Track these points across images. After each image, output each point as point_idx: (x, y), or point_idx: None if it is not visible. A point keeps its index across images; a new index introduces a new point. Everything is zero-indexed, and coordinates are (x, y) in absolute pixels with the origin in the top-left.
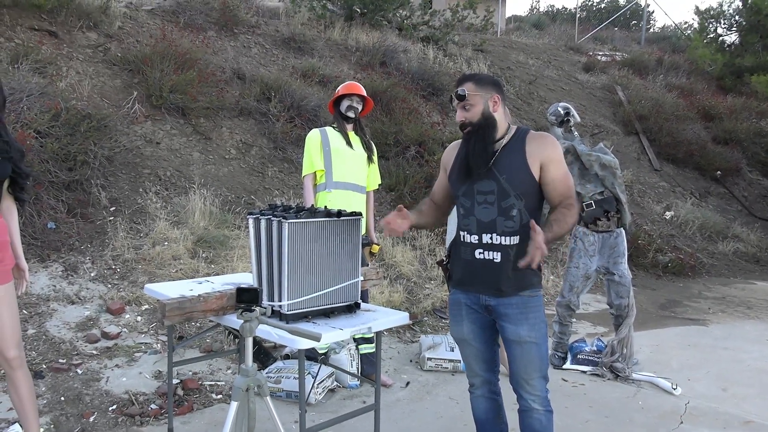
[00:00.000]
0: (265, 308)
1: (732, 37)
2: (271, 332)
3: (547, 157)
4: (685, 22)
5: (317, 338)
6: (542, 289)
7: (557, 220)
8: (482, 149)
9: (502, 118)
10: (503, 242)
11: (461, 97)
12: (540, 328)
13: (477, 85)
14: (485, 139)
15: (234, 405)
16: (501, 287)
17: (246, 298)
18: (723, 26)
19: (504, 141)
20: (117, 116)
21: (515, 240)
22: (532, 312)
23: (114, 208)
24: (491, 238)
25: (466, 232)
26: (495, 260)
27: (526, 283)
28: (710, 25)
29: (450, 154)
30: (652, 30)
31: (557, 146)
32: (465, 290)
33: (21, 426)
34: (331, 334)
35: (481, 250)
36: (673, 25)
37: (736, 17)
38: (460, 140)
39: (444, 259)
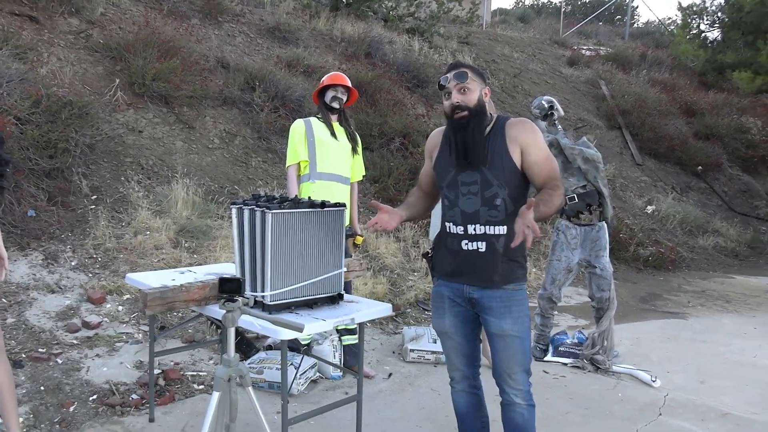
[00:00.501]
0: (248, 298)
1: (714, 34)
2: (253, 322)
3: (526, 141)
4: (669, 18)
5: (300, 329)
6: (526, 282)
7: (543, 200)
8: (480, 137)
9: (489, 110)
10: (488, 231)
11: (463, 78)
12: (523, 322)
13: (473, 73)
14: (481, 126)
15: (216, 395)
16: (487, 278)
17: (228, 288)
18: (705, 23)
19: (486, 130)
20: (99, 104)
21: (501, 230)
22: (516, 305)
23: (95, 196)
24: (475, 229)
25: (451, 223)
26: (480, 250)
27: (511, 275)
28: (693, 22)
29: (434, 140)
30: (636, 25)
31: (536, 130)
32: (450, 281)
33: (0, 416)
34: (314, 324)
35: (467, 241)
36: (657, 20)
37: (719, 14)
38: (443, 127)
39: (429, 251)
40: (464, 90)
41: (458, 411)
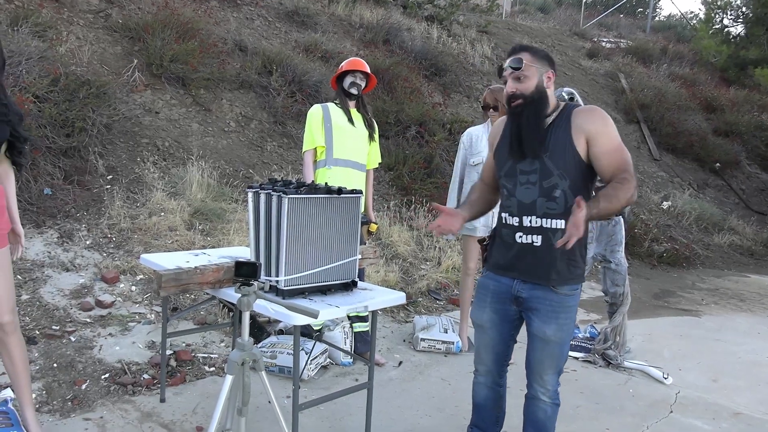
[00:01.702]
0: (263, 283)
1: (738, 29)
2: (267, 307)
3: (594, 130)
4: (691, 12)
5: (315, 315)
6: (581, 284)
7: (607, 194)
8: (536, 125)
9: (552, 95)
10: (544, 225)
11: (517, 67)
12: (568, 329)
13: (534, 57)
14: (538, 114)
15: (229, 378)
16: (539, 274)
17: (244, 272)
18: (729, 17)
19: (551, 118)
20: (116, 84)
21: (559, 224)
22: (565, 312)
23: (111, 176)
24: (531, 221)
25: (507, 214)
26: (535, 244)
27: (566, 276)
28: (716, 16)
29: (497, 129)
30: (657, 18)
31: (606, 118)
32: (500, 275)
33: (13, 391)
34: (328, 311)
35: (522, 234)
36: (679, 14)
37: (743, 9)
38: (504, 118)
39: (485, 238)
40: (520, 78)
41: (475, 400)
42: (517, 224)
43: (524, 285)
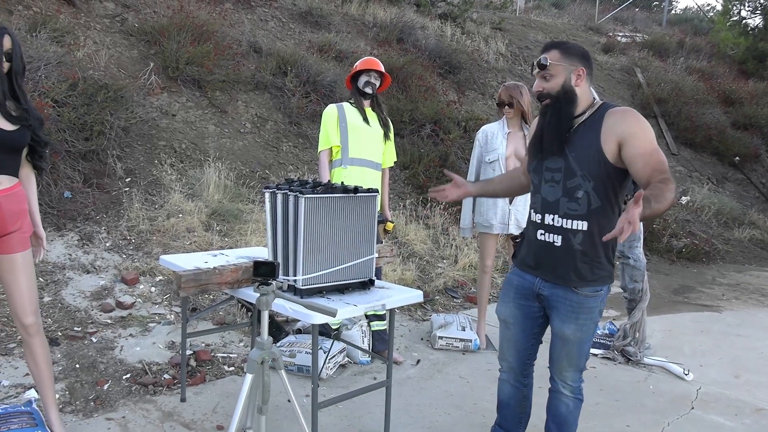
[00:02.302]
0: (282, 282)
1: (756, 21)
2: (285, 306)
3: (626, 132)
4: (708, 4)
5: (333, 313)
6: (608, 286)
7: (655, 195)
8: (557, 124)
9: (585, 92)
10: (565, 225)
11: (542, 66)
12: (588, 329)
13: (563, 55)
14: (561, 113)
15: (249, 377)
16: (558, 273)
17: (263, 272)
18: (747, 9)
19: (584, 117)
20: (133, 87)
21: (581, 225)
22: (585, 313)
23: (129, 179)
24: (553, 219)
25: (533, 210)
26: (555, 243)
27: (588, 277)
28: (734, 8)
29: (534, 126)
30: (674, 11)
31: (640, 120)
32: (525, 271)
33: (37, 391)
34: (346, 309)
35: (543, 231)
36: (696, 6)
37: (761, 0)
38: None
39: (518, 236)
40: (546, 77)
41: (499, 398)
42: (539, 221)
43: (546, 283)
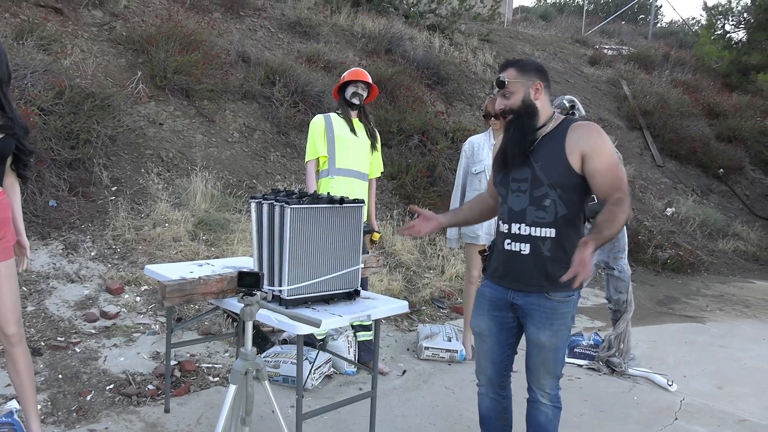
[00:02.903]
0: (266, 293)
1: (740, 35)
2: (270, 317)
3: (588, 146)
4: (693, 18)
5: (317, 324)
6: (578, 292)
7: (606, 220)
8: (521, 138)
9: (545, 105)
10: (533, 233)
11: (501, 84)
12: (562, 335)
13: (519, 72)
14: (524, 127)
15: (232, 388)
16: (527, 281)
17: (247, 282)
18: (731, 23)
19: (546, 129)
20: (121, 96)
21: (549, 233)
22: (559, 319)
23: (115, 187)
24: (519, 228)
25: (500, 221)
26: (523, 252)
27: (557, 283)
28: (718, 22)
29: (499, 142)
30: (659, 25)
31: (602, 135)
32: (496, 283)
33: (19, 402)
34: (331, 320)
35: (510, 241)
36: (681, 20)
37: (745, 14)
38: None
39: (486, 248)
40: (506, 95)
41: (480, 412)
42: (506, 231)
43: (518, 293)
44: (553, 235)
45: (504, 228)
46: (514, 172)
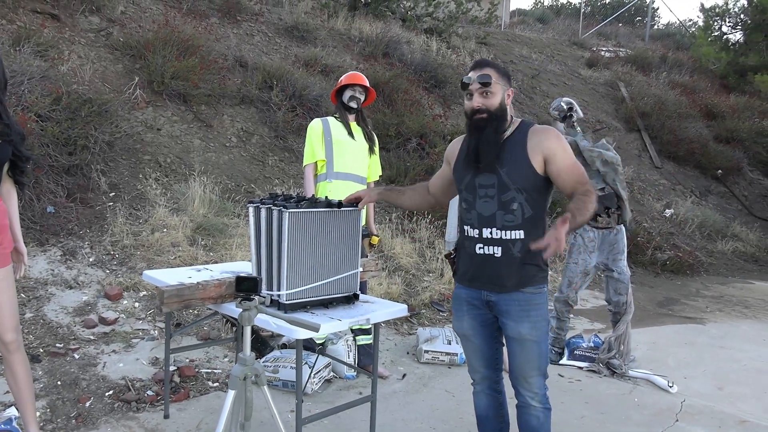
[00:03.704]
0: (264, 297)
1: (736, 36)
2: (269, 321)
3: (549, 149)
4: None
5: (316, 328)
6: (547, 285)
7: (578, 208)
8: (495, 141)
9: (510, 112)
10: (503, 237)
11: (487, 83)
12: (541, 327)
13: (498, 74)
14: (498, 130)
15: (231, 393)
16: (502, 283)
17: (245, 287)
18: (728, 24)
19: (507, 134)
20: (118, 101)
21: (518, 234)
22: (534, 309)
23: (113, 193)
24: (491, 233)
25: (468, 227)
26: (495, 255)
27: (528, 279)
28: (715, 23)
29: (455, 146)
30: (656, 27)
31: (560, 137)
32: (468, 285)
33: (17, 409)
34: (330, 324)
35: (482, 245)
36: (678, 22)
37: (741, 16)
38: (464, 134)
39: (452, 252)
40: (486, 93)
41: (477, 412)
42: (477, 236)
43: (490, 292)
44: (522, 236)
45: (474, 233)
46: (480, 178)
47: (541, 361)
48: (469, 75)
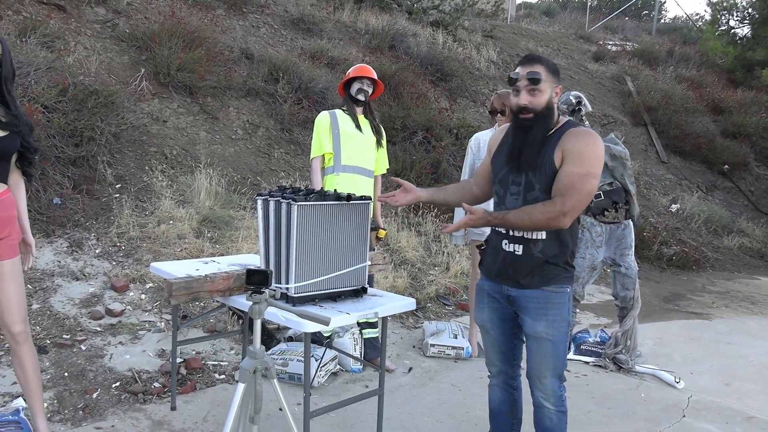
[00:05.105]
0: (274, 291)
1: (744, 30)
2: (277, 314)
3: (569, 149)
4: (697, 14)
5: (326, 322)
6: (571, 286)
7: (521, 210)
8: (541, 140)
9: (556, 109)
10: (525, 236)
11: (536, 81)
12: (559, 326)
13: (548, 71)
14: (544, 129)
15: (241, 387)
16: (520, 281)
17: (256, 280)
18: (735, 18)
19: (549, 133)
20: (124, 93)
21: (540, 235)
22: (553, 309)
23: (120, 185)
24: (514, 230)
25: None
26: (516, 252)
27: (551, 278)
28: (722, 17)
29: (497, 137)
30: (663, 20)
31: (589, 143)
32: (491, 279)
33: (25, 400)
34: (339, 318)
35: (507, 242)
36: (685, 16)
37: (749, 10)
38: (507, 125)
39: (483, 243)
40: (534, 92)
41: (491, 406)
42: (504, 231)
43: (510, 287)
44: (543, 237)
45: (501, 229)
46: (512, 175)
47: (556, 361)
48: (517, 70)
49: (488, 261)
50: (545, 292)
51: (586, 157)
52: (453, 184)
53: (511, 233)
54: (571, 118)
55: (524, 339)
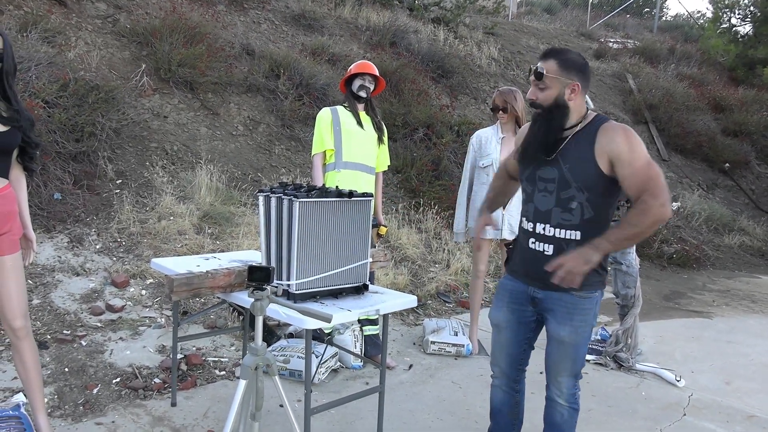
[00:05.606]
0: (276, 287)
1: (746, 28)
2: (279, 311)
3: (615, 151)
4: (699, 12)
5: (328, 319)
6: (602, 290)
7: (621, 222)
8: (544, 136)
9: (579, 106)
10: (557, 235)
11: (539, 76)
12: (583, 332)
13: (560, 67)
14: (551, 125)
15: (242, 383)
16: (549, 282)
17: (257, 277)
18: (737, 16)
19: (577, 128)
20: (125, 88)
21: (573, 235)
22: (579, 314)
23: (120, 180)
24: (544, 229)
25: (524, 218)
26: (546, 253)
27: (582, 282)
28: (724, 15)
29: (524, 131)
30: (664, 18)
31: (629, 136)
32: (516, 278)
33: (25, 395)
34: (340, 315)
35: (534, 240)
36: (686, 13)
37: (751, 8)
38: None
39: (511, 243)
40: (540, 86)
41: (492, 405)
42: (531, 230)
43: (537, 288)
44: (578, 237)
45: (528, 226)
46: (541, 171)
47: (575, 364)
48: (538, 64)
49: (516, 260)
50: (573, 296)
51: (635, 149)
52: (496, 184)
53: (539, 232)
54: (600, 112)
55: (534, 347)
